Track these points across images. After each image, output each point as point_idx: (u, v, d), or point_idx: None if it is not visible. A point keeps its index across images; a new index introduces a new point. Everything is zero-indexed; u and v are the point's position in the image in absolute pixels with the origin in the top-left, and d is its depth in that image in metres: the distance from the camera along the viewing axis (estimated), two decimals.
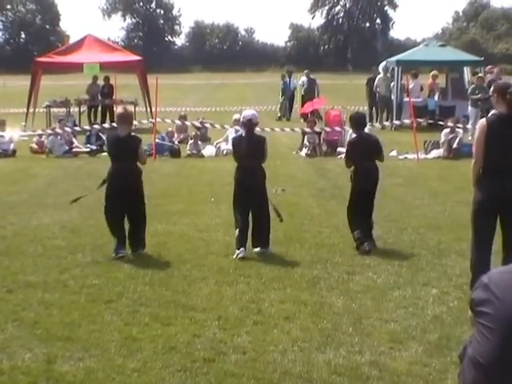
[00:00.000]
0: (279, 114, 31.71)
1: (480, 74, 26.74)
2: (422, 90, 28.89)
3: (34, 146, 21.49)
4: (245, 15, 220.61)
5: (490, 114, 8.45)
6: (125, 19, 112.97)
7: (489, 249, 8.14)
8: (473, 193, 8.26)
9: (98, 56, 27.94)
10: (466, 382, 3.87)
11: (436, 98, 28.12)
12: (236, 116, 22.73)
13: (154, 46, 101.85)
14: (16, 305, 7.85)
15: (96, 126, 23.05)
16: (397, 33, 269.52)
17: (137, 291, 8.31)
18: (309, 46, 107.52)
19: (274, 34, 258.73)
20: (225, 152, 20.99)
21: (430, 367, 6.28)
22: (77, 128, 23.67)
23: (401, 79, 28.34)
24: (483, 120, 8.09)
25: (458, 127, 20.91)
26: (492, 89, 8.40)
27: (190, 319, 7.40)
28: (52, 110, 28.16)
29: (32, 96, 27.43)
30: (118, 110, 10.98)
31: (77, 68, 29.38)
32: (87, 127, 23.26)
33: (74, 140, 21.43)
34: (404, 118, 24.93)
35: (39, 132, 22.32)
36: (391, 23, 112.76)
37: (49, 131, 21.86)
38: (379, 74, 29.31)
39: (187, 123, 23.31)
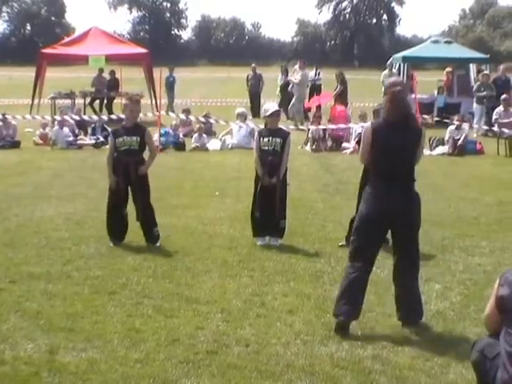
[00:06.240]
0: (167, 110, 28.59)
1: (485, 72, 26.66)
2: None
3: (38, 139, 21.44)
4: (251, 10, 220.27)
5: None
6: (131, 12, 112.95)
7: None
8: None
9: (104, 48, 27.87)
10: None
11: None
12: (239, 110, 22.57)
13: (160, 39, 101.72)
14: (19, 296, 7.85)
15: (103, 117, 23.01)
16: (403, 30, 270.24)
17: (140, 283, 8.32)
18: (315, 42, 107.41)
19: (281, 29, 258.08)
20: (230, 146, 20.97)
21: (432, 362, 6.29)
22: (85, 116, 23.66)
23: (407, 75, 28.20)
24: None
25: (464, 123, 20.89)
26: None
27: (193, 311, 7.41)
28: (57, 101, 28.15)
29: (37, 88, 27.44)
30: None
31: (82, 60, 29.39)
32: (95, 116, 23.21)
33: (77, 132, 21.44)
34: None
35: (47, 116, 22.31)
36: (398, 20, 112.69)
37: (57, 117, 21.86)
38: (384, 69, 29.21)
39: (191, 117, 23.21)
